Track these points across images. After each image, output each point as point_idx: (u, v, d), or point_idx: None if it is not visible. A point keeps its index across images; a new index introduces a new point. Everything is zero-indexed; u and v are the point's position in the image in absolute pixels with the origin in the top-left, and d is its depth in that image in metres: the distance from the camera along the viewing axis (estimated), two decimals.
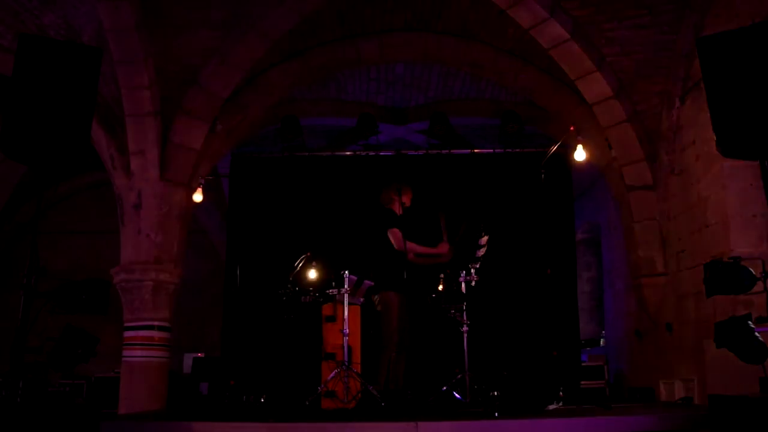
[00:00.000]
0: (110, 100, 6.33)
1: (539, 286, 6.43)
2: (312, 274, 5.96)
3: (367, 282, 5.66)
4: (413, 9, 6.79)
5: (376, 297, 5.70)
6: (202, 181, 6.93)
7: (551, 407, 4.89)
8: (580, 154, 6.40)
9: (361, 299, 5.71)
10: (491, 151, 7.84)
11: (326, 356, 5.38)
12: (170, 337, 6.55)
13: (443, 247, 5.69)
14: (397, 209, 5.84)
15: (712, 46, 3.56)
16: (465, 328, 5.34)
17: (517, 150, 7.63)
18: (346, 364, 5.14)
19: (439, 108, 8.03)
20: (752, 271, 3.63)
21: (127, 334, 6.39)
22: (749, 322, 3.60)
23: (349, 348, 5.27)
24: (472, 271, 5.39)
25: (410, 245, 5.55)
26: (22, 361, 3.10)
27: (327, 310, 5.59)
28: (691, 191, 6.00)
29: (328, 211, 7.52)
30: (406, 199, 5.89)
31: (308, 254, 5.73)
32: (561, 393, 5.07)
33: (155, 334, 6.39)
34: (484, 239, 5.45)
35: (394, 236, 5.60)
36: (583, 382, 7.58)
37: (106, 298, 3.52)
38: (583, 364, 8.02)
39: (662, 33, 6.04)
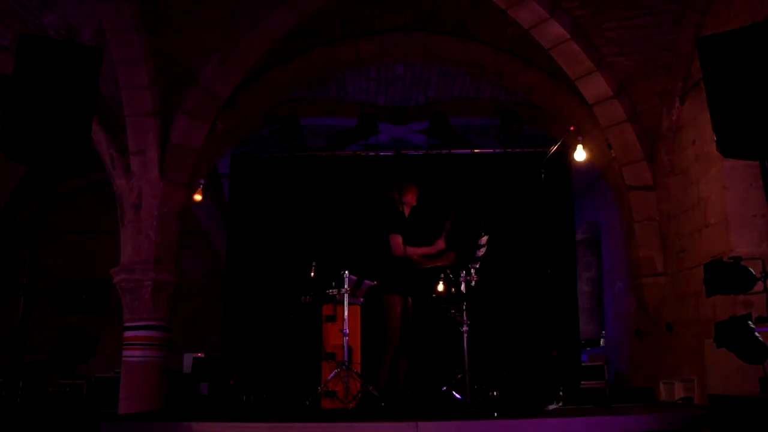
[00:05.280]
0: (110, 100, 6.33)
1: (539, 286, 6.43)
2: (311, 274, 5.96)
3: (367, 282, 5.66)
4: (413, 9, 6.79)
5: (377, 296, 5.70)
6: (202, 181, 6.93)
7: (551, 407, 4.89)
8: (580, 154, 6.40)
9: (361, 299, 5.71)
10: (491, 151, 7.84)
11: (326, 356, 5.39)
12: (170, 337, 6.55)
13: (439, 244, 5.68)
14: (401, 209, 5.81)
15: (712, 46, 3.56)
16: (465, 328, 5.34)
17: (517, 150, 7.63)
18: (346, 364, 5.14)
19: (439, 108, 8.03)
20: (752, 271, 3.63)
21: (127, 334, 6.39)
22: (749, 322, 3.60)
23: (349, 348, 5.27)
24: (472, 271, 5.39)
25: (410, 250, 5.52)
26: (22, 361, 3.10)
27: (327, 310, 5.59)
28: (691, 191, 5.99)
29: (328, 211, 7.52)
30: (410, 199, 5.85)
31: (313, 263, 5.71)
32: (561, 393, 5.06)
33: (155, 334, 6.39)
34: (484, 239, 5.45)
35: (394, 242, 5.58)
36: (583, 382, 7.58)
37: (106, 298, 3.52)
38: (583, 364, 8.02)
39: (662, 33, 6.04)
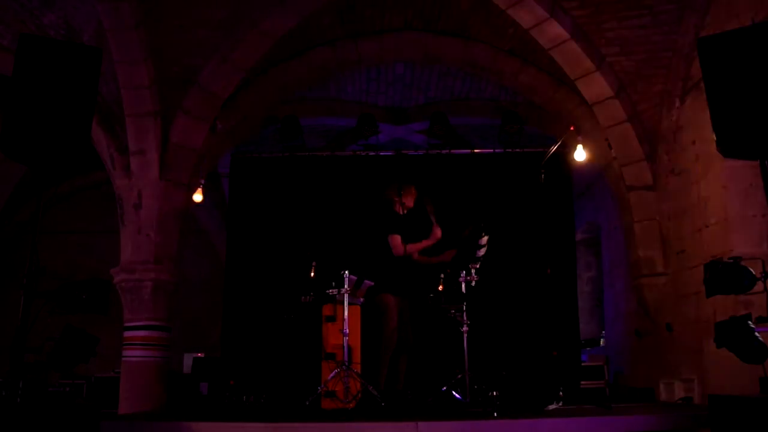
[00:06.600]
0: (110, 100, 6.33)
1: (539, 286, 6.43)
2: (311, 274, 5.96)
3: (367, 282, 5.66)
4: (413, 9, 6.79)
5: (375, 298, 5.70)
6: (202, 181, 6.93)
7: (551, 407, 4.89)
8: (580, 154, 6.39)
9: (361, 299, 5.71)
10: (491, 151, 7.83)
11: (326, 356, 5.38)
12: (170, 337, 6.55)
13: (436, 232, 5.71)
14: (399, 210, 5.83)
15: (712, 46, 3.56)
16: (465, 328, 5.33)
17: (517, 150, 7.63)
18: (346, 364, 5.14)
19: (439, 108, 8.02)
20: (752, 271, 3.63)
21: (127, 334, 6.40)
22: (749, 322, 3.60)
23: (349, 348, 5.27)
24: (472, 271, 5.38)
25: (410, 247, 5.54)
26: (22, 361, 3.10)
27: (327, 310, 5.58)
28: (691, 191, 6.00)
29: (328, 211, 7.52)
30: (408, 200, 5.88)
31: (313, 263, 5.71)
32: (561, 393, 5.06)
33: (155, 334, 6.39)
34: (484, 239, 5.45)
35: (393, 242, 5.60)
36: (583, 382, 7.57)
37: (106, 298, 3.52)
38: (583, 364, 8.01)
39: (662, 33, 6.04)
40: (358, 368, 5.45)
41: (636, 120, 6.56)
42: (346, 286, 5.34)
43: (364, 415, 4.67)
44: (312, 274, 5.68)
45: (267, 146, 8.07)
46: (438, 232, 5.76)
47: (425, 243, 5.77)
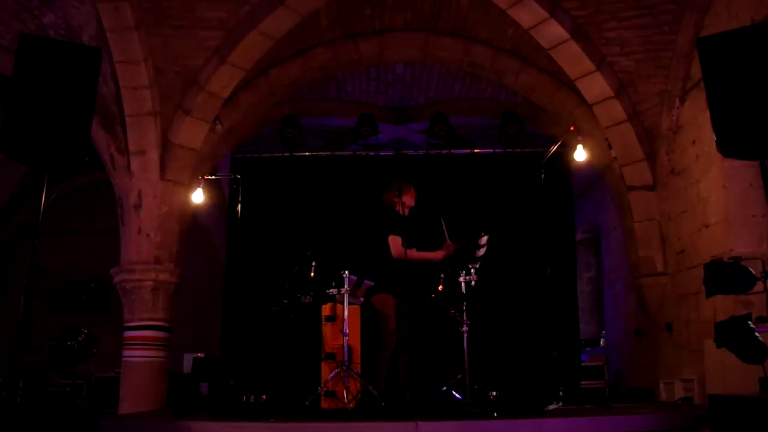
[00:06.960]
0: (110, 100, 6.33)
1: (539, 286, 6.43)
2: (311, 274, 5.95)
3: (367, 282, 5.66)
4: (413, 9, 6.79)
5: (375, 298, 5.70)
6: (203, 181, 6.92)
7: (551, 407, 4.89)
8: (580, 154, 6.39)
9: (361, 299, 5.71)
10: (491, 151, 7.84)
11: (326, 356, 5.38)
12: (170, 337, 6.55)
13: (440, 254, 5.70)
14: (400, 210, 5.82)
15: (712, 46, 3.57)
16: (465, 328, 5.32)
17: (517, 150, 7.63)
18: (346, 364, 5.14)
19: (439, 108, 8.02)
20: (752, 271, 3.63)
21: (127, 334, 6.40)
22: (749, 322, 3.61)
23: (349, 348, 5.26)
24: (472, 271, 5.38)
25: (411, 253, 5.52)
26: (22, 361, 3.10)
27: (327, 310, 5.58)
28: (691, 191, 6.00)
29: (328, 211, 7.52)
30: (408, 200, 5.87)
31: (313, 263, 5.70)
32: (561, 393, 5.06)
33: (155, 334, 6.39)
34: (484, 239, 5.44)
35: (393, 243, 5.59)
36: (583, 382, 7.58)
37: (106, 298, 3.52)
38: (583, 364, 8.02)
39: (662, 33, 6.04)
40: (358, 368, 5.45)
41: (636, 120, 6.57)
42: (346, 286, 5.34)
43: (364, 415, 4.66)
44: (312, 274, 5.67)
45: (267, 146, 8.07)
46: (441, 255, 5.70)
47: (428, 255, 5.74)
